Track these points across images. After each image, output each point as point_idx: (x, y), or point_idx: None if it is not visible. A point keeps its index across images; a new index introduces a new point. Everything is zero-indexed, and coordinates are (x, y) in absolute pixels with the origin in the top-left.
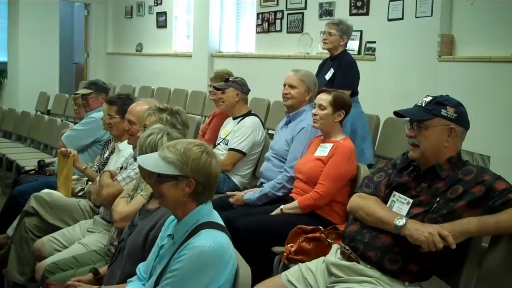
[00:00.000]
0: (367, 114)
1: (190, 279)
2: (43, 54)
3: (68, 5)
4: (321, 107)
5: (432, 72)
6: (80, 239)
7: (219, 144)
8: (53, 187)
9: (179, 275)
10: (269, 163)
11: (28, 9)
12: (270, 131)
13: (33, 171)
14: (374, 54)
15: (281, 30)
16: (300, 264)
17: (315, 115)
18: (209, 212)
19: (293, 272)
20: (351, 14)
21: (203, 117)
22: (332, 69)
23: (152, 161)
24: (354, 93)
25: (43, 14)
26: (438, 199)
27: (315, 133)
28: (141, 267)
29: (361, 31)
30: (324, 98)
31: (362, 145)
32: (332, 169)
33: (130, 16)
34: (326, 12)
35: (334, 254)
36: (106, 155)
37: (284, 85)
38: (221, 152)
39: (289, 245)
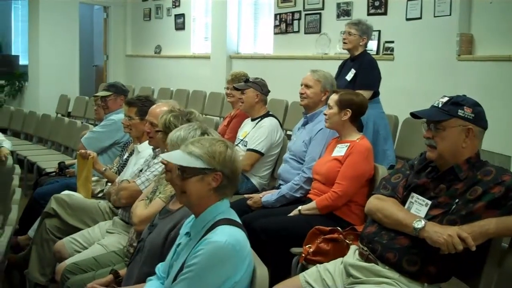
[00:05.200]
0: (385, 114)
1: (207, 274)
2: (63, 57)
3: (87, 8)
4: (329, 107)
5: (451, 72)
6: (100, 240)
7: (237, 145)
8: (73, 188)
9: (195, 270)
10: (287, 164)
11: (48, 13)
12: (288, 132)
13: (54, 173)
14: (392, 54)
15: (298, 31)
16: (318, 265)
17: (325, 114)
18: (227, 210)
19: (311, 273)
20: (369, 14)
21: (221, 118)
22: (353, 69)
23: (179, 156)
24: (376, 94)
25: (63, 17)
26: (457, 200)
27: (333, 134)
28: (160, 267)
29: (379, 31)
30: (332, 98)
31: (384, 146)
32: (349, 168)
33: (148, 19)
34: (344, 12)
35: (352, 255)
36: (125, 156)
37: (301, 85)
38: (239, 153)
39: (307, 246)
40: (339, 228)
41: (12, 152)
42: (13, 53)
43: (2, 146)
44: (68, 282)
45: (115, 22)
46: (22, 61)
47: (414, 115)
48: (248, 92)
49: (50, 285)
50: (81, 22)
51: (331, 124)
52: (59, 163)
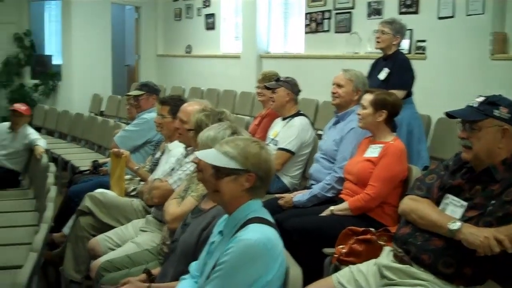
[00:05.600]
0: (419, 114)
1: (238, 271)
2: (96, 56)
3: (119, 8)
4: (363, 107)
5: (484, 71)
6: (133, 238)
7: (268, 144)
8: (107, 187)
9: (226, 268)
10: (318, 164)
11: (80, 13)
12: (319, 132)
13: (87, 171)
14: (424, 53)
15: (329, 30)
16: (351, 266)
17: (358, 114)
18: (259, 208)
19: (343, 274)
20: (400, 13)
21: (252, 118)
22: (386, 68)
23: (213, 156)
24: (409, 94)
25: (95, 18)
26: (493, 201)
27: (365, 133)
28: (193, 266)
29: (411, 30)
30: (366, 98)
31: (418, 147)
32: (382, 170)
33: (179, 19)
34: (374, 11)
35: (386, 257)
36: (157, 155)
37: (333, 84)
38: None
39: (339, 247)
40: (372, 229)
41: (46, 151)
42: (46, 53)
43: (37, 145)
44: (103, 280)
45: (146, 22)
46: (55, 61)
47: (449, 114)
48: (279, 91)
49: (85, 282)
50: (113, 22)
51: (364, 124)
52: (92, 162)
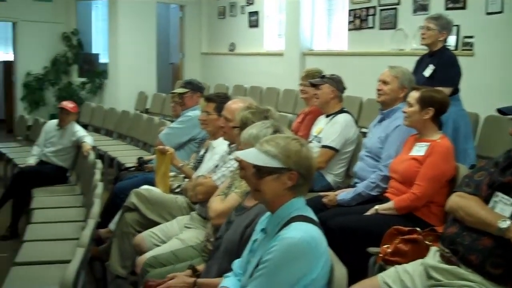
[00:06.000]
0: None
1: (281, 270)
2: (141, 55)
3: (164, 7)
4: (409, 104)
5: None
6: (178, 235)
7: (311, 142)
8: (152, 183)
9: (270, 266)
10: (363, 162)
11: (127, 12)
12: (363, 129)
13: (133, 168)
14: (472, 50)
15: (373, 27)
16: (396, 266)
17: (404, 112)
18: (302, 207)
19: (389, 274)
20: (447, 8)
21: (295, 115)
22: (432, 65)
23: (254, 155)
24: (456, 91)
25: (141, 17)
26: None
27: (410, 131)
28: (236, 263)
29: (458, 26)
30: (412, 96)
31: (465, 145)
32: (429, 169)
33: (223, 17)
34: (420, 7)
35: (432, 257)
36: (201, 153)
37: (378, 81)
38: (313, 150)
39: (385, 246)
40: (418, 229)
41: (93, 148)
42: (93, 52)
43: (84, 142)
44: (148, 275)
45: (190, 20)
46: (102, 59)
47: (501, 111)
48: (323, 88)
49: (130, 277)
50: (158, 21)
51: (411, 122)
52: (138, 158)
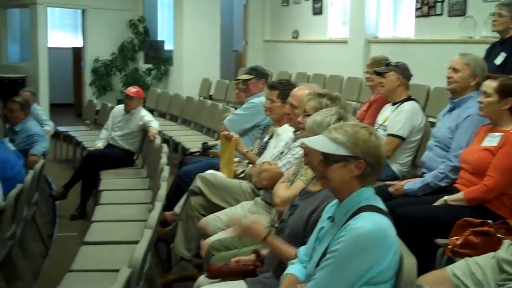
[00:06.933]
0: None
1: (349, 261)
2: (205, 42)
3: None
4: (486, 94)
5: None
6: (242, 219)
7: (377, 130)
8: (216, 168)
9: (338, 257)
10: (431, 152)
11: (192, 0)
12: (430, 119)
13: (197, 153)
14: None
15: (441, 14)
16: (467, 258)
17: (480, 102)
18: (371, 196)
19: (459, 266)
20: None
21: (359, 103)
22: (503, 53)
23: (321, 142)
24: None
25: (205, 5)
26: None
27: (482, 121)
28: (302, 250)
29: None
30: (489, 85)
31: None
32: (501, 160)
33: (286, 4)
34: None
35: (505, 250)
36: (265, 139)
37: (448, 69)
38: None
39: (454, 238)
40: (489, 221)
41: (159, 132)
42: (159, 39)
43: (151, 126)
44: (213, 258)
45: (254, 8)
46: (167, 46)
47: None
48: (389, 76)
49: (194, 259)
50: (222, 9)
51: (487, 112)
52: (202, 144)
